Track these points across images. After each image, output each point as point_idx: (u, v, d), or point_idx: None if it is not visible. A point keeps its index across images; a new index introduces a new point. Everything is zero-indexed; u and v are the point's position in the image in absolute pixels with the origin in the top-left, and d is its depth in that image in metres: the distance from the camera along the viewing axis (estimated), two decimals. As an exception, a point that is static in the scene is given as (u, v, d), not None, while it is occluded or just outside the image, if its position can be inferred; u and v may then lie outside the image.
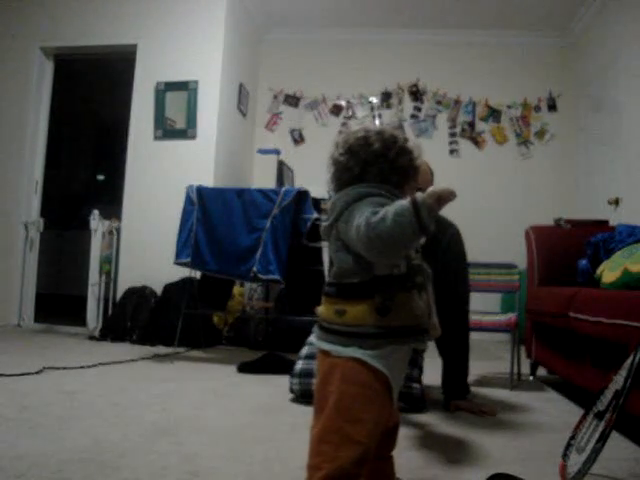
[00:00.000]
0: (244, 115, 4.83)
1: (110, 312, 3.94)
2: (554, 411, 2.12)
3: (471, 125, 5.04)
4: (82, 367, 2.63)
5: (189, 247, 3.19)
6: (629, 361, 1.31)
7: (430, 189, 0.87)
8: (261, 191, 3.20)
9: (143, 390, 2.24)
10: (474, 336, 2.25)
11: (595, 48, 4.48)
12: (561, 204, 4.67)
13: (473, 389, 2.29)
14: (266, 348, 3.37)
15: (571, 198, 4.76)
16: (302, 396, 2.10)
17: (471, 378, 2.25)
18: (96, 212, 3.98)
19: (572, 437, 1.37)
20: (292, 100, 5.21)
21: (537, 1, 4.49)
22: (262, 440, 1.61)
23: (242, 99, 4.73)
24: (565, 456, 1.33)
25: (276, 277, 3.02)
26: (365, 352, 0.92)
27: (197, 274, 3.53)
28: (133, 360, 2.94)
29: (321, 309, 1.00)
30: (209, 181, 3.96)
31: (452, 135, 5.05)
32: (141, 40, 4.32)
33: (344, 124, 5.06)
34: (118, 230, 4.10)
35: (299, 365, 2.17)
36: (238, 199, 3.18)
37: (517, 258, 3.01)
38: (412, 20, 4.95)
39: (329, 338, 0.96)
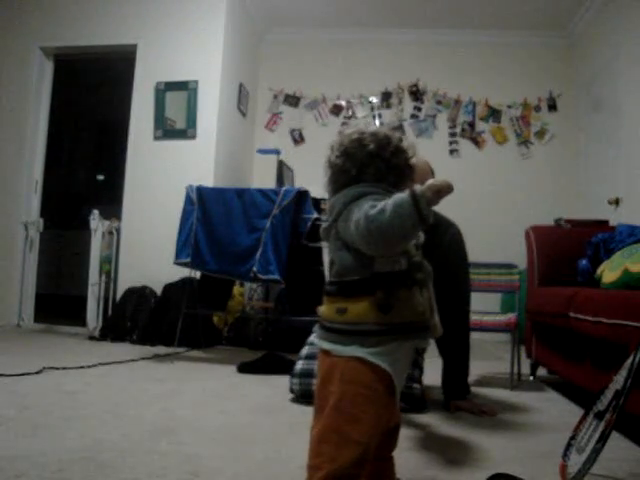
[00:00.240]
0: (244, 115, 4.83)
1: (110, 312, 3.94)
2: (554, 411, 2.12)
3: (471, 125, 5.04)
4: (82, 367, 2.62)
5: (189, 247, 3.19)
6: (629, 361, 1.31)
7: (429, 181, 0.88)
8: (261, 191, 3.20)
9: (143, 390, 2.24)
10: (474, 336, 2.25)
11: (595, 48, 4.48)
12: (561, 204, 4.67)
13: (473, 389, 2.29)
14: (266, 348, 3.36)
15: (571, 198, 4.76)
16: (302, 396, 2.10)
17: (471, 378, 2.25)
18: (96, 212, 3.97)
19: (572, 437, 1.37)
20: (292, 100, 5.21)
21: (537, 1, 4.50)
22: (262, 440, 1.60)
23: (242, 99, 4.73)
24: (565, 456, 1.33)
25: (276, 277, 3.02)
26: (366, 350, 0.92)
27: (197, 274, 3.53)
28: (133, 360, 2.94)
29: (322, 308, 1.00)
30: (209, 181, 3.96)
31: (452, 135, 5.05)
32: (141, 40, 4.32)
33: (344, 124, 5.05)
34: (118, 230, 4.10)
35: (299, 365, 2.17)
36: (238, 199, 3.18)
37: (517, 258, 3.01)
38: (412, 20, 4.96)
39: (330, 337, 0.96)
